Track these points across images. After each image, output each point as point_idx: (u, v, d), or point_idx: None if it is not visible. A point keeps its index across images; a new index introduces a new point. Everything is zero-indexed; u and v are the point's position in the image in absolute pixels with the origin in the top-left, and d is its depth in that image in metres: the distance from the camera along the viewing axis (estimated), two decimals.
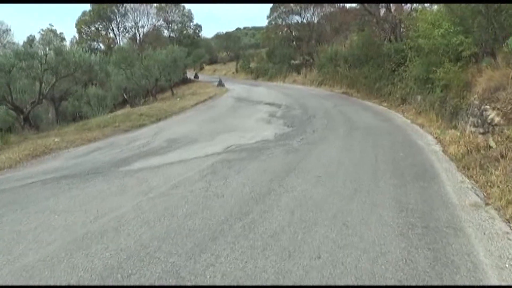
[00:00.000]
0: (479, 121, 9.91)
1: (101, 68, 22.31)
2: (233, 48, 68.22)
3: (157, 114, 17.99)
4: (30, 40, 49.86)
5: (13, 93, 16.18)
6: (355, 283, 3.83)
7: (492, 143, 8.28)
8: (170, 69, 27.72)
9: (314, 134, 12.19)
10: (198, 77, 48.55)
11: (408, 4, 21.79)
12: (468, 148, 8.70)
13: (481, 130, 9.73)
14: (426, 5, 16.61)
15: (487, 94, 9.89)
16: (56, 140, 12.55)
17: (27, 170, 9.13)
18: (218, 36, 76.04)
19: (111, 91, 26.92)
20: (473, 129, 10.24)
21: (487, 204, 5.80)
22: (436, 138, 10.94)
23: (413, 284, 3.81)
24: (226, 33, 74.34)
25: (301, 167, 8.12)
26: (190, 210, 5.80)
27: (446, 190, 6.48)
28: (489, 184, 6.54)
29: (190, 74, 50.76)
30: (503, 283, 3.86)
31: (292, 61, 43.00)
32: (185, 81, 43.32)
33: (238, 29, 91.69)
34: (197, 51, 61.87)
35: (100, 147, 11.62)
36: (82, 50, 18.12)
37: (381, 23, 22.65)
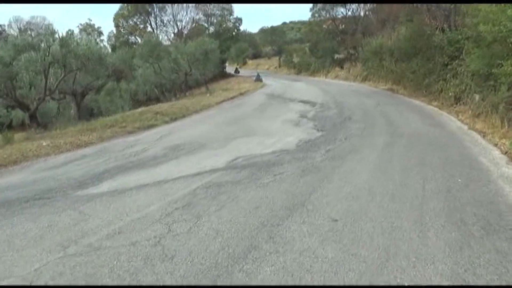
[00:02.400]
0: None
1: (124, 62, 20.54)
2: (278, 42, 65.62)
3: (176, 112, 15.82)
4: (69, 35, 49.20)
5: (18, 89, 14.42)
6: None
7: None
8: (200, 62, 25.46)
9: (345, 142, 9.58)
10: (238, 72, 46.29)
11: None
12: None
13: None
14: None
15: None
16: (44, 143, 10.59)
17: None
18: (263, 31, 73.69)
19: (141, 86, 24.99)
20: None
21: None
22: (505, 153, 8.10)
23: None
24: (271, 27, 71.81)
25: (314, 200, 5.58)
26: None
27: None
28: None
29: (231, 69, 48.72)
30: None
31: (336, 55, 39.97)
32: (224, 75, 41.24)
33: (284, 23, 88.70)
34: (240, 45, 59.90)
35: (85, 155, 9.49)
36: (95, 42, 16.03)
37: (433, 10, 19.43)
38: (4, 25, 42.76)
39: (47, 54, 13.81)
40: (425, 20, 19.70)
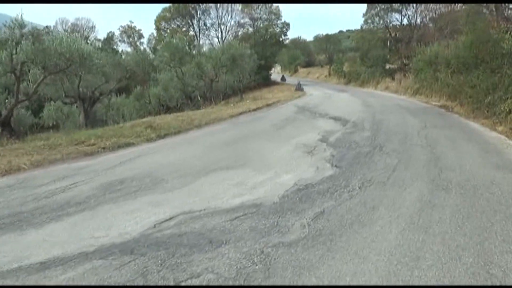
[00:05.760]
0: None
1: (138, 65, 17.61)
2: (332, 51, 61.48)
3: (173, 126, 12.60)
4: (110, 37, 47.75)
5: None
6: None
7: None
8: (227, 68, 22.01)
9: (356, 197, 5.85)
10: (285, 80, 42.57)
11: None
12: None
13: None
14: None
15: None
16: None
17: None
18: (317, 39, 69.70)
19: (163, 92, 21.99)
20: None
21: None
22: None
23: None
24: (326, 35, 67.72)
25: None
26: None
27: None
28: None
29: (277, 76, 45.30)
30: None
31: (388, 65, 35.43)
32: (269, 83, 37.79)
33: (340, 32, 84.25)
34: (293, 52, 56.36)
35: None
36: (80, 39, 12.87)
37: (501, 9, 14.89)
38: (51, 27, 41.51)
39: (15, 51, 10.90)
40: (492, 23, 15.26)
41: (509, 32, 13.92)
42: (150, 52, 31.73)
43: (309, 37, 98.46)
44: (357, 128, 12.51)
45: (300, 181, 6.70)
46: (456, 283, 3.47)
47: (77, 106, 19.06)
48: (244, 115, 15.98)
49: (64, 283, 3.51)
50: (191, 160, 8.52)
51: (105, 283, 3.51)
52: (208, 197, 5.96)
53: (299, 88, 28.69)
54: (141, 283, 3.47)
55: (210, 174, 7.34)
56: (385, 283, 3.46)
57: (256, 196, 5.99)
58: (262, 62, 31.57)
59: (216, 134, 11.84)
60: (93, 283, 3.52)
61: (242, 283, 3.46)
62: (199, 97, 23.90)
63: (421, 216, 5.02)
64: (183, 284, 3.48)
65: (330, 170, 7.50)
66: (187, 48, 22.22)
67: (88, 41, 45.86)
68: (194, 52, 23.04)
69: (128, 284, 3.50)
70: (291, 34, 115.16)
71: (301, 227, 4.70)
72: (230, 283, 3.45)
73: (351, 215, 5.06)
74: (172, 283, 3.46)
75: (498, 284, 3.48)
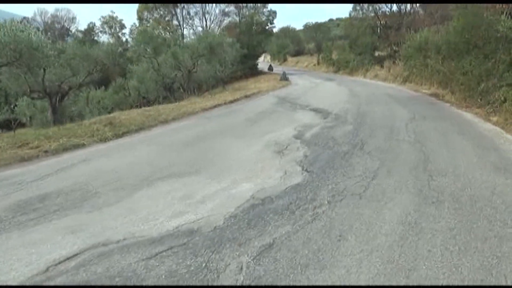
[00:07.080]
0: None
1: (108, 56, 16.14)
2: (322, 39, 59.87)
3: (136, 123, 11.24)
4: (90, 28, 45.98)
5: None
6: None
7: None
8: (205, 58, 20.46)
9: (322, 218, 4.56)
10: (272, 69, 41.14)
11: None
12: None
13: None
14: None
15: None
16: None
17: None
18: (307, 27, 67.99)
19: (140, 84, 20.51)
20: None
21: None
22: None
23: None
24: (315, 23, 66.06)
25: None
26: None
27: None
28: None
29: (266, 65, 43.89)
30: None
31: (377, 53, 33.96)
32: (255, 73, 36.34)
33: (330, 20, 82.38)
34: (281, 41, 54.83)
35: None
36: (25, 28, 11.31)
37: None
38: (29, 18, 39.69)
39: None
40: (485, 4, 13.85)
41: (504, 13, 12.55)
42: (130, 42, 30.12)
43: (299, 26, 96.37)
44: (339, 121, 11.19)
45: (259, 193, 5.43)
46: None
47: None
48: (218, 108, 14.56)
49: None
50: (140, 165, 7.17)
51: None
52: (140, 218, 4.69)
53: (284, 77, 27.26)
54: None
55: (156, 183, 6.04)
56: None
57: (199, 215, 4.72)
58: (246, 51, 29.98)
59: (181, 131, 10.47)
60: None
61: None
62: (181, 89, 22.45)
63: (404, 249, 3.70)
64: None
65: (299, 176, 6.20)
66: (163, 36, 20.72)
67: (70, 32, 44.40)
68: (175, 42, 21.48)
69: None
70: (281, 23, 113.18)
71: (236, 271, 3.39)
72: None
73: (308, 249, 3.73)
74: None
75: None
